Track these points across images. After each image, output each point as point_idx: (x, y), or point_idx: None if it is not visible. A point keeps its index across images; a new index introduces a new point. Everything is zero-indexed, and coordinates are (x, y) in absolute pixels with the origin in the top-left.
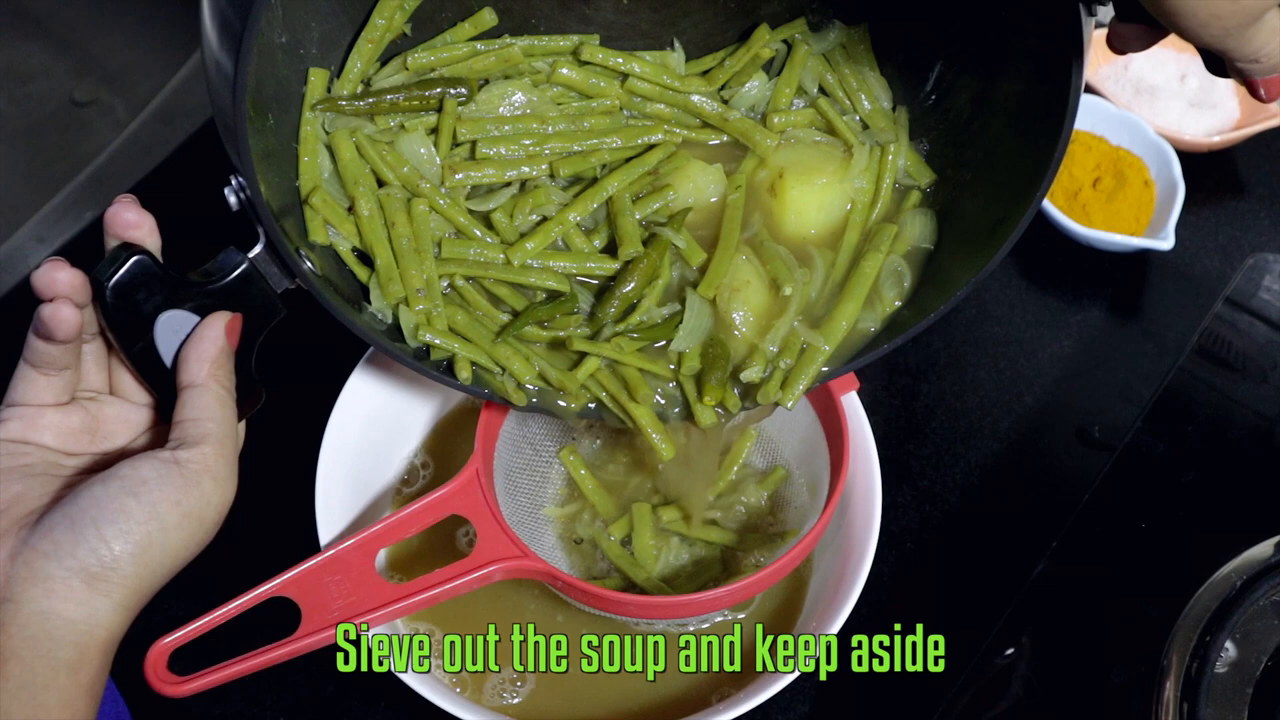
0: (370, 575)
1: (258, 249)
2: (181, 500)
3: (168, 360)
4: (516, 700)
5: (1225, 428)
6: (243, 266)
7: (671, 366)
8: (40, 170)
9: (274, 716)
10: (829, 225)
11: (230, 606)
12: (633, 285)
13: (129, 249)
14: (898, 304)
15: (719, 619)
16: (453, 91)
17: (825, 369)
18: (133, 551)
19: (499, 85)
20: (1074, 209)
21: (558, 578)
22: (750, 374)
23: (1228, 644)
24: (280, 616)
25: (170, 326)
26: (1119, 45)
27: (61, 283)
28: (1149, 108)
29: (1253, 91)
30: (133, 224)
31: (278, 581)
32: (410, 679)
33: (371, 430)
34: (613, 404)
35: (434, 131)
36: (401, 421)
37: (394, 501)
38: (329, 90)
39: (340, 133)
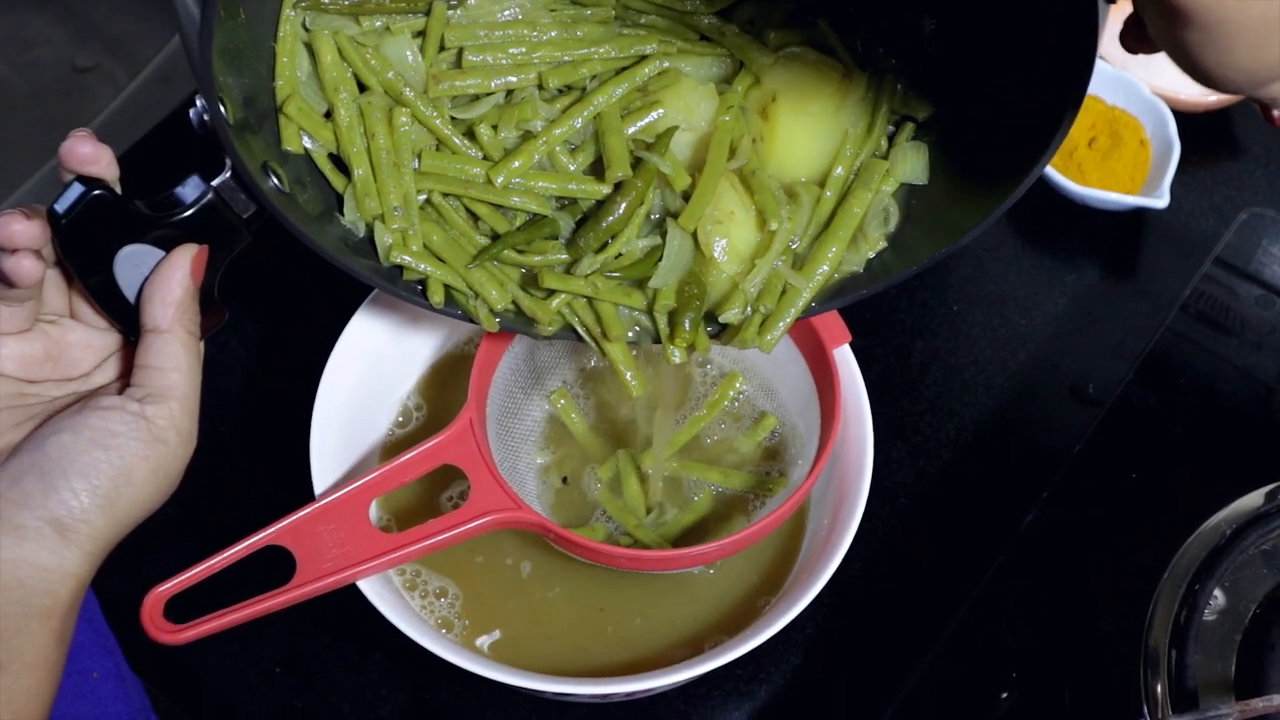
0: (364, 525)
1: (223, 176)
2: (149, 455)
3: (130, 295)
4: (498, 636)
5: (1216, 380)
6: (207, 196)
7: (646, 301)
8: (43, 135)
9: (269, 666)
10: (819, 156)
11: (226, 555)
12: (618, 215)
13: (86, 182)
14: (883, 244)
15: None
16: None
17: (804, 310)
18: (101, 504)
19: None
20: (1069, 167)
21: (550, 529)
22: (729, 316)
23: (1216, 592)
24: (275, 566)
25: (131, 261)
26: (1131, 45)
27: (20, 235)
28: (1145, 68)
29: (1266, 116)
30: (89, 159)
31: (272, 530)
32: (400, 621)
33: (368, 378)
34: (586, 335)
35: (421, 35)
36: (396, 366)
37: (387, 444)
38: None
39: (321, 33)
